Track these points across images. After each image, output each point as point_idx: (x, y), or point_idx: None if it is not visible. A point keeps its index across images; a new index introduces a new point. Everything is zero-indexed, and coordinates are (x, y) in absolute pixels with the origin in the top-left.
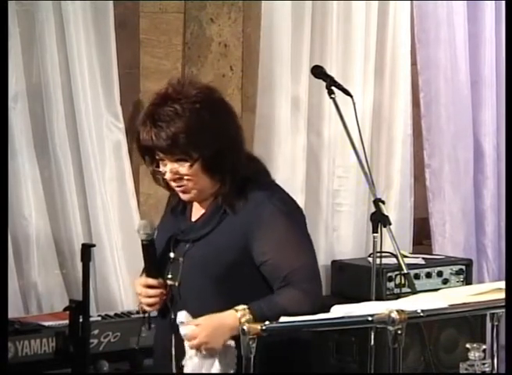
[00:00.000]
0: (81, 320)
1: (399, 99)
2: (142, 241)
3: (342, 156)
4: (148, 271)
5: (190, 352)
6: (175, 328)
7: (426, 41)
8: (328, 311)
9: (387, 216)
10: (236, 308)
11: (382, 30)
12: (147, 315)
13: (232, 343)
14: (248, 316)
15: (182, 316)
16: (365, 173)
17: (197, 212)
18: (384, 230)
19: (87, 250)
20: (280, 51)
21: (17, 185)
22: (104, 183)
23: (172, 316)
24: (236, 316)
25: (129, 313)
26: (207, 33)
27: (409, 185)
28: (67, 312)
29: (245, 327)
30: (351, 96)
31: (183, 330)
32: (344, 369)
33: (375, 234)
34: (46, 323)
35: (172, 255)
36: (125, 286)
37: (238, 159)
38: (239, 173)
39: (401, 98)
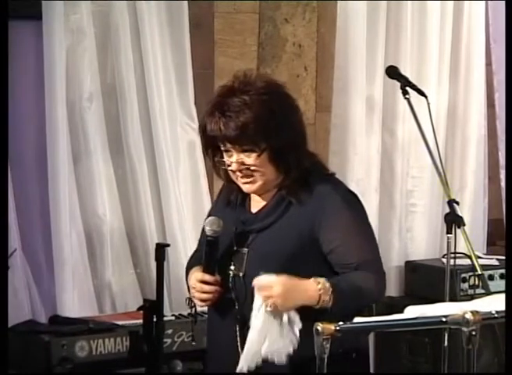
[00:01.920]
0: (155, 320)
1: (473, 99)
2: (208, 236)
3: (416, 157)
4: (207, 267)
5: (257, 304)
6: (239, 320)
7: (502, 41)
8: (401, 312)
9: (461, 217)
10: (318, 279)
11: (456, 30)
12: (193, 310)
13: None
14: (328, 288)
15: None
16: (439, 174)
17: (257, 204)
18: (458, 230)
19: (161, 249)
20: (355, 52)
21: (92, 184)
22: (178, 183)
23: (236, 307)
24: (316, 287)
25: (203, 313)
26: (281, 33)
27: (483, 186)
28: (141, 312)
29: (319, 327)
30: (426, 96)
31: (258, 281)
32: (417, 369)
33: (448, 235)
34: (120, 323)
35: (235, 246)
36: None
37: (302, 151)
38: (302, 164)
39: (475, 98)
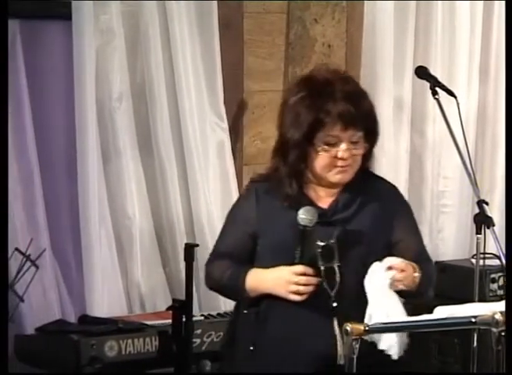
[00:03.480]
0: (184, 320)
1: (503, 99)
2: (304, 226)
3: (447, 157)
4: (303, 258)
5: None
6: (335, 313)
7: None
8: (431, 312)
9: (491, 218)
10: (412, 264)
11: (486, 30)
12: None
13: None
14: (418, 275)
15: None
16: (469, 174)
17: (324, 199)
18: (487, 231)
19: (190, 249)
20: (382, 52)
21: (121, 185)
22: (207, 183)
23: (332, 295)
24: (413, 273)
25: (232, 313)
26: (310, 33)
27: None
28: (170, 312)
29: (348, 328)
30: (455, 97)
31: (395, 263)
32: (446, 370)
33: (478, 236)
34: (149, 322)
35: (320, 240)
36: None
37: None
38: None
39: (506, 98)
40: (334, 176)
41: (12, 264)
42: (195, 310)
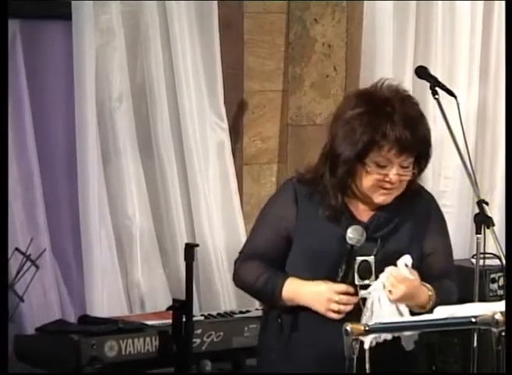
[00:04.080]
0: (184, 320)
1: (504, 99)
2: (352, 245)
3: (447, 158)
4: (346, 277)
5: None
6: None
7: None
8: (431, 312)
9: (491, 218)
10: (428, 286)
11: (486, 30)
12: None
13: None
14: (433, 296)
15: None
16: (469, 175)
17: (364, 212)
18: (487, 231)
19: (190, 250)
20: (383, 52)
21: (121, 185)
22: (207, 183)
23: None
24: (427, 294)
25: (232, 313)
26: (310, 33)
27: None
28: (170, 312)
29: (348, 328)
30: (455, 97)
31: (398, 270)
32: (446, 370)
33: (478, 235)
34: (149, 322)
35: (359, 256)
36: (228, 286)
37: None
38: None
39: (506, 98)
40: (378, 197)
41: (12, 264)
42: (195, 310)
